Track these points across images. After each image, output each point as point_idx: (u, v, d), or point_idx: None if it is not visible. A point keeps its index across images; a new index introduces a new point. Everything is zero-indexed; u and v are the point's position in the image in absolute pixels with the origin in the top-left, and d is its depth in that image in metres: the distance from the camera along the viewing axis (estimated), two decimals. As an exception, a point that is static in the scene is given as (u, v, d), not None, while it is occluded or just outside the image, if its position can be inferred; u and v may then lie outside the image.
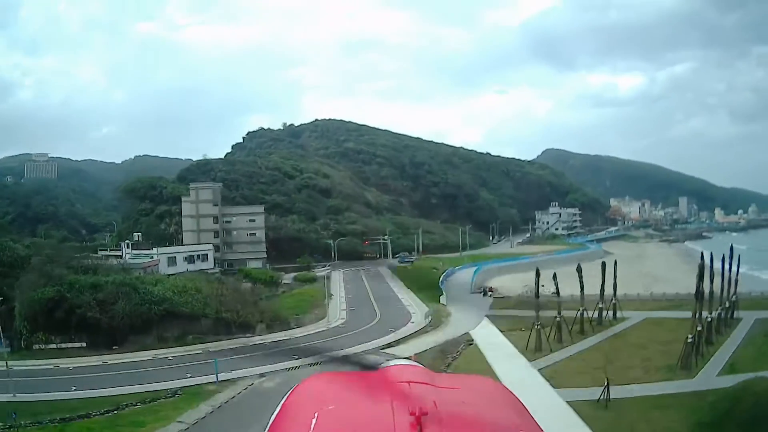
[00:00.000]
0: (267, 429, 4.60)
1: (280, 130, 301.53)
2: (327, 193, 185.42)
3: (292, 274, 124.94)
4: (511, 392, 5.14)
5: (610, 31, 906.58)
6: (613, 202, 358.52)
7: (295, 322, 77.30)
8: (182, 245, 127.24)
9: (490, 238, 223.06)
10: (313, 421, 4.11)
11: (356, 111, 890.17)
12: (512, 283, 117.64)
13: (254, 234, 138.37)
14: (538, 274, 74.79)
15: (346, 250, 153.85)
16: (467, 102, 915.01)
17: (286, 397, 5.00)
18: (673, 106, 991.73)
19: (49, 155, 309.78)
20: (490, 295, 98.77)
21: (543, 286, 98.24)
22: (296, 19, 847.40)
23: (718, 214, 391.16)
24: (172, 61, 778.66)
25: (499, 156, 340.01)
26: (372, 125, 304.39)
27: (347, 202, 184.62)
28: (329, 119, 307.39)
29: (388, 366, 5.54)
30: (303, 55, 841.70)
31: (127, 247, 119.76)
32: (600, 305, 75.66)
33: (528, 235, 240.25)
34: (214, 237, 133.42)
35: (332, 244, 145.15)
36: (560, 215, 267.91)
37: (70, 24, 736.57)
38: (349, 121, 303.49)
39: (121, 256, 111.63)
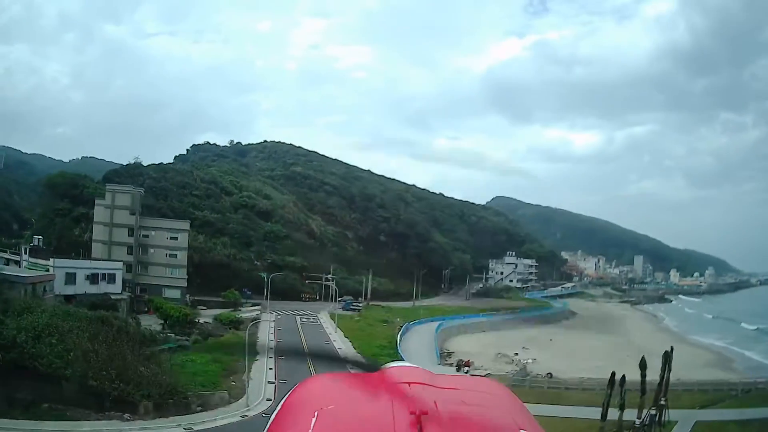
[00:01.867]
0: (267, 429, 4.44)
1: (226, 147, 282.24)
2: (266, 215, 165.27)
3: (214, 312, 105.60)
4: (511, 392, 5.10)
5: (572, 87, 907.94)
6: (565, 255, 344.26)
7: (198, 401, 53.23)
8: (90, 258, 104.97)
9: (442, 286, 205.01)
10: (313, 420, 4.03)
11: (308, 141, 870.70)
12: (479, 346, 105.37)
13: (175, 255, 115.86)
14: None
15: (282, 287, 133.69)
16: (420, 143, 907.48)
17: (286, 397, 4.86)
18: (629, 166, 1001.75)
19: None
20: (467, 372, 77.21)
21: (516, 354, 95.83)
22: (261, 44, 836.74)
23: (674, 275, 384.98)
24: (134, 68, 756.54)
25: (452, 198, 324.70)
26: (323, 153, 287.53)
27: (288, 230, 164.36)
28: (278, 141, 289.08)
29: (388, 367, 5.43)
30: (262, 80, 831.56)
31: (26, 252, 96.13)
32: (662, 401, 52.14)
33: (480, 285, 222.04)
34: (128, 253, 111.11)
35: (266, 279, 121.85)
36: (516, 266, 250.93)
37: (42, 17, 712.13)
38: (299, 147, 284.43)
39: (19, 262, 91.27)
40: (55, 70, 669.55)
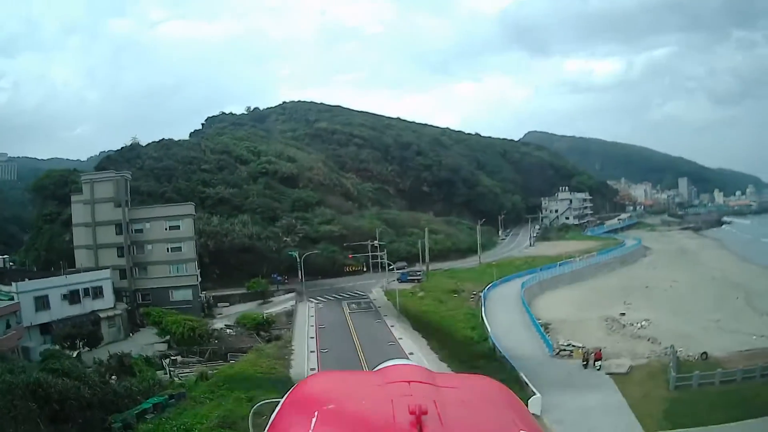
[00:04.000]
0: (267, 428, 4.51)
1: (243, 114, 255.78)
2: (292, 181, 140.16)
3: (240, 308, 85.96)
4: (511, 392, 5.07)
5: (588, 17, 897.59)
6: (612, 185, 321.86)
7: None
8: (66, 272, 77.83)
9: (499, 233, 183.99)
10: (313, 420, 4.08)
11: (330, 99, 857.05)
12: (572, 308, 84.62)
13: (179, 248, 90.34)
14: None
15: (320, 263, 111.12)
16: (443, 89, 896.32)
17: (286, 396, 4.86)
18: (651, 89, 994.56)
19: (9, 155, 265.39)
20: (598, 368, 52.98)
21: (624, 315, 77.32)
22: (273, 12, 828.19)
23: (718, 196, 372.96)
24: (147, 58, 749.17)
25: (490, 137, 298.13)
26: (347, 107, 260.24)
27: (319, 194, 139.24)
28: (298, 101, 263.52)
29: (388, 365, 5.38)
30: (279, 48, 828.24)
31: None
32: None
33: (537, 227, 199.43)
34: (119, 256, 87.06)
35: (298, 259, 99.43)
36: (570, 202, 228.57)
37: (44, 25, 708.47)
38: (321, 103, 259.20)
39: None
40: (65, 74, 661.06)
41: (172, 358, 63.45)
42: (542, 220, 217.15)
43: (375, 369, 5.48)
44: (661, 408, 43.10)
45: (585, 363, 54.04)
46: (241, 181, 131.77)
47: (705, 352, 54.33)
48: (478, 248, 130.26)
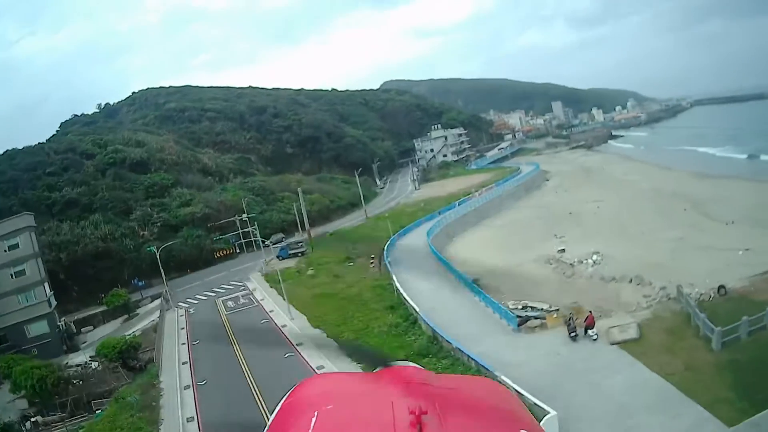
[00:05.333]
0: (267, 428, 4.46)
1: (95, 113, 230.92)
2: (143, 167, 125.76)
3: (104, 332, 72.78)
4: (510, 392, 5.19)
5: None
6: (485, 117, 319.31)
7: None
8: None
9: (377, 182, 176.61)
10: (313, 420, 4.07)
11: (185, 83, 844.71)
12: (498, 253, 73.86)
13: (23, 271, 73.99)
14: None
15: (186, 254, 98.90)
16: (294, 56, 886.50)
17: (285, 396, 4.82)
18: (505, 23, 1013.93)
19: None
20: (595, 339, 39.50)
21: (563, 251, 68.59)
22: (118, 6, 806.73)
23: (597, 113, 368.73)
24: (5, 78, 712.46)
25: (348, 90, 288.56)
26: (196, 85, 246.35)
27: (175, 174, 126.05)
28: (147, 89, 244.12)
29: (387, 367, 5.23)
30: (129, 41, 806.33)
31: None
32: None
33: (416, 170, 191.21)
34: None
35: (157, 254, 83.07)
36: (446, 138, 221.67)
37: None
38: (170, 86, 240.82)
39: None
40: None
41: (32, 419, 50.62)
42: (419, 161, 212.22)
43: (375, 371, 5.14)
44: (728, 382, 30.07)
45: (574, 334, 40.34)
46: (89, 177, 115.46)
47: (723, 286, 43.64)
48: (361, 201, 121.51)
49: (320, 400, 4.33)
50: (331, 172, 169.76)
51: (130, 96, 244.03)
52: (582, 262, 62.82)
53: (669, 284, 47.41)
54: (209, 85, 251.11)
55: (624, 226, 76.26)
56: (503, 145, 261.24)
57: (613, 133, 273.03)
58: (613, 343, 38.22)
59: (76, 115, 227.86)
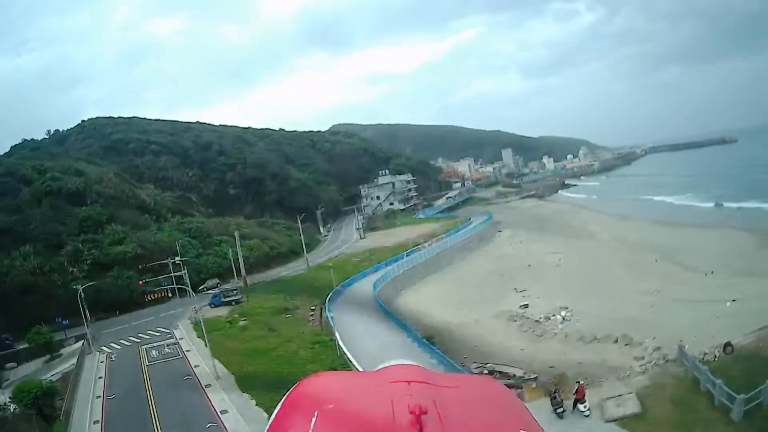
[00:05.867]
0: (267, 428, 4.31)
1: (45, 138, 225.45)
2: (79, 198, 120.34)
3: (27, 370, 68.31)
4: (511, 392, 4.98)
5: (390, 8, 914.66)
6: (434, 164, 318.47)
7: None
8: None
9: (320, 228, 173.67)
10: (313, 420, 3.97)
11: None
12: (451, 309, 70.90)
13: None
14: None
15: (114, 294, 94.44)
16: (248, 95, 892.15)
17: (285, 396, 4.65)
18: (458, 72, 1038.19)
19: None
20: (586, 412, 34.99)
21: (527, 307, 65.12)
22: (79, 35, 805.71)
23: (548, 162, 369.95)
24: None
25: (295, 131, 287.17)
26: (145, 117, 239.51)
27: (112, 209, 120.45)
28: (96, 117, 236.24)
29: (387, 366, 5.08)
30: (87, 71, 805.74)
31: None
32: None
33: (362, 217, 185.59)
34: None
35: (82, 294, 78.22)
36: (393, 185, 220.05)
37: None
38: (119, 117, 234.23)
39: None
40: None
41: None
42: (364, 208, 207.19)
43: (375, 369, 4.99)
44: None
45: (560, 409, 35.66)
46: (24, 204, 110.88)
47: (729, 343, 38.71)
48: (303, 249, 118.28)
49: (321, 399, 4.20)
50: (274, 217, 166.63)
51: (79, 124, 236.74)
52: (549, 318, 60.13)
53: (661, 343, 45.07)
54: (157, 118, 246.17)
55: (590, 279, 73.24)
56: (452, 193, 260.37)
57: (566, 182, 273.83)
58: (609, 420, 33.87)
59: (25, 140, 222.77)
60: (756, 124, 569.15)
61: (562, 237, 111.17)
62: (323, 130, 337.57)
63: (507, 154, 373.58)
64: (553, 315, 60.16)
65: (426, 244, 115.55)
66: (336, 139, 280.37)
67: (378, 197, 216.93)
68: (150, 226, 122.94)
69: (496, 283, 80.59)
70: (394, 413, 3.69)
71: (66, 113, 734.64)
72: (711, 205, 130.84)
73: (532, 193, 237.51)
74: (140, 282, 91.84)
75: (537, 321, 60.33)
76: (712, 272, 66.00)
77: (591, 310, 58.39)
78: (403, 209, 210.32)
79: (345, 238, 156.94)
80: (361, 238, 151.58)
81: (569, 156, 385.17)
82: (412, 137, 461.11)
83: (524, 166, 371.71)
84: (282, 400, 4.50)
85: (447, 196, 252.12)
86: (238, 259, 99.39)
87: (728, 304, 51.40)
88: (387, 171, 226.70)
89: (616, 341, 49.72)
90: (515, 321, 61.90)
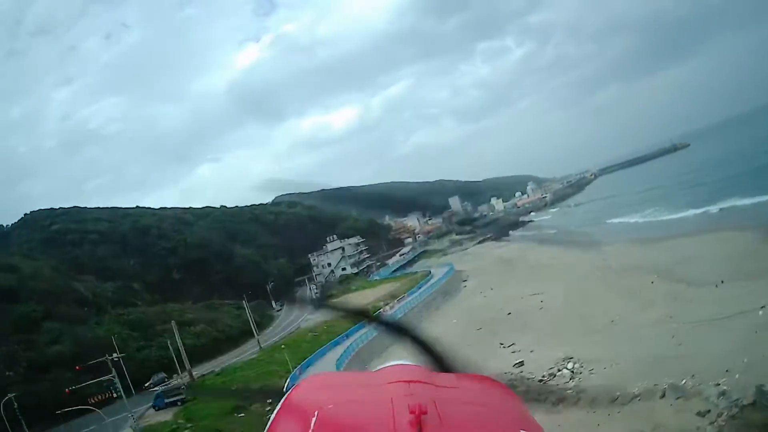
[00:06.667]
0: (266, 429, 4.13)
1: None
2: (13, 296, 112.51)
3: None
4: (512, 391, 4.69)
5: (317, 70, 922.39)
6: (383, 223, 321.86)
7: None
8: None
9: (273, 305, 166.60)
10: (313, 420, 3.74)
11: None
12: None
13: None
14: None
15: (50, 400, 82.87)
16: (188, 175, 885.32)
17: (285, 396, 4.45)
18: (393, 127, 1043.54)
19: None
20: None
21: (522, 364, 57.02)
22: (18, 126, 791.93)
23: (497, 203, 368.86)
24: None
25: (236, 207, 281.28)
26: (83, 206, 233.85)
27: (47, 305, 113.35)
28: (38, 210, 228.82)
29: (387, 366, 4.93)
30: (28, 164, 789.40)
31: None
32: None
33: (315, 288, 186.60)
34: None
35: (14, 402, 73.86)
36: (343, 249, 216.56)
37: None
38: (59, 207, 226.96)
39: None
40: None
41: None
42: (317, 278, 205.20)
43: (375, 369, 4.87)
44: None
45: None
46: None
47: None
48: (254, 330, 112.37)
49: (320, 399, 3.94)
50: (224, 297, 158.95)
51: (22, 218, 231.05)
52: (555, 374, 50.10)
53: (708, 378, 35.23)
54: (96, 206, 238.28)
55: (585, 318, 63.62)
56: (405, 250, 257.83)
57: (521, 219, 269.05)
58: None
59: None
60: (705, 125, 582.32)
61: (535, 277, 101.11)
62: (267, 202, 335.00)
63: (454, 202, 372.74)
64: (558, 370, 50.76)
65: (387, 307, 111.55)
66: (279, 210, 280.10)
67: (329, 264, 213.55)
68: (89, 320, 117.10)
69: (476, 341, 70.27)
70: (394, 413, 3.49)
71: (12, 208, 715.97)
72: (689, 213, 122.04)
73: (487, 236, 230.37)
74: (67, 391, 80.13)
75: (541, 381, 50.72)
76: (723, 282, 56.16)
77: (602, 355, 49.25)
78: (356, 273, 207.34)
79: (299, 312, 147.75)
80: (315, 309, 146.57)
81: (518, 194, 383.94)
82: (357, 198, 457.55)
83: (474, 211, 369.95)
84: (282, 401, 4.21)
85: (400, 253, 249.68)
86: (180, 354, 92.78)
87: (760, 312, 43.04)
88: (335, 236, 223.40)
89: (663, 395, 36.88)
90: (515, 387, 52.24)
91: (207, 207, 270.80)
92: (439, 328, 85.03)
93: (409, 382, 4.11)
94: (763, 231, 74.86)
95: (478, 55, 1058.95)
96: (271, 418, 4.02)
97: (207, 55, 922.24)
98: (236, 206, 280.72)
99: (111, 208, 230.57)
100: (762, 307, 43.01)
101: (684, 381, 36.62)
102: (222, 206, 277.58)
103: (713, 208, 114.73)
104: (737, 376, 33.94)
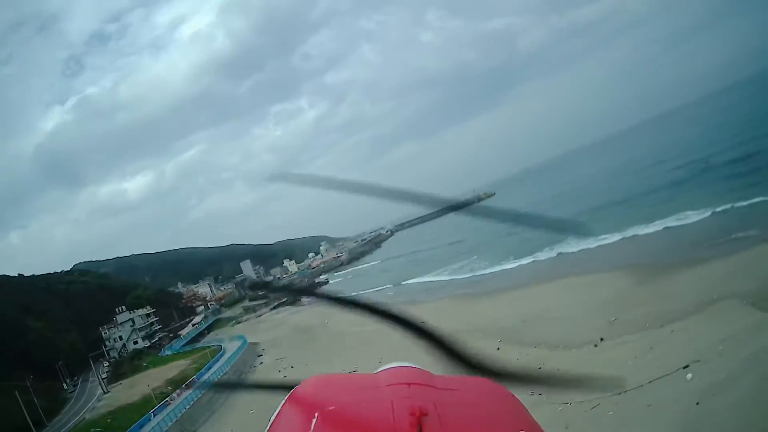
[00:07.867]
0: (267, 430, 3.77)
1: None
2: None
3: None
4: (511, 393, 4.21)
5: (116, 135, 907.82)
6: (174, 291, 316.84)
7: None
8: None
9: (64, 386, 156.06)
10: (313, 422, 3.53)
11: None
12: None
13: None
14: None
15: None
16: None
17: (285, 398, 4.07)
18: (186, 192, 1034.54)
19: None
20: None
21: None
22: None
23: (290, 265, 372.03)
24: None
25: (33, 275, 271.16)
26: None
27: None
28: None
29: (387, 368, 4.45)
30: None
31: None
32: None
33: (107, 365, 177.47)
34: None
35: None
36: (133, 321, 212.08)
37: None
38: None
39: None
40: None
41: None
42: (109, 353, 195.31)
43: (375, 372, 4.37)
44: None
45: None
46: None
47: None
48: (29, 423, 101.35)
49: (321, 401, 3.98)
50: (19, 379, 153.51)
51: None
52: None
53: None
54: None
55: None
56: (197, 319, 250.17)
57: (316, 280, 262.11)
58: None
59: None
60: (514, 171, 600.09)
61: (339, 348, 79.35)
62: (62, 270, 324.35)
63: (246, 266, 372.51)
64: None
65: (175, 394, 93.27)
66: (71, 279, 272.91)
67: (121, 337, 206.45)
68: None
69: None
70: (394, 415, 3.70)
71: None
72: (517, 263, 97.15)
73: (283, 300, 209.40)
74: None
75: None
76: (602, 339, 38.57)
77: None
78: (148, 346, 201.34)
79: (89, 396, 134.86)
80: (104, 393, 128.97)
81: (311, 254, 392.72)
82: (150, 266, 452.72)
83: (267, 274, 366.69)
84: (282, 402, 4.49)
85: (192, 323, 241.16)
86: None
87: (688, 376, 27.77)
88: (124, 307, 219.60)
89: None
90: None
91: (3, 276, 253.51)
92: (236, 420, 65.89)
93: (409, 384, 4.09)
94: (631, 270, 52.83)
95: (271, 117, 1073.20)
96: (272, 420, 4.70)
97: (19, 116, 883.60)
98: (33, 275, 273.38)
99: None
100: (685, 366, 29.27)
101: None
102: (20, 275, 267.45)
103: (542, 257, 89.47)
104: None
